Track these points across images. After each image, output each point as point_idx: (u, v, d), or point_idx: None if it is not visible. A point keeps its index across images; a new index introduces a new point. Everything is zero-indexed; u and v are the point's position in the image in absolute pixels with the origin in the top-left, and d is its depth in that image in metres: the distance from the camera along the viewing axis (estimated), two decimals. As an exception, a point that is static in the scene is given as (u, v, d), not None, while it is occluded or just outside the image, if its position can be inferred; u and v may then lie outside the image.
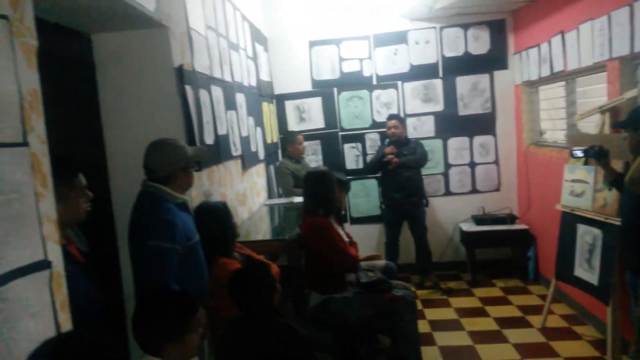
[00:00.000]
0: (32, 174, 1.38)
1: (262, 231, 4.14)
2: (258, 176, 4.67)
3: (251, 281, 2.21)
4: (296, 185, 4.98)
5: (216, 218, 2.63)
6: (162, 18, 2.50)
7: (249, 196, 4.24)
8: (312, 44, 5.77)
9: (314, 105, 5.83)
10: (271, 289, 2.24)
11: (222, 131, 3.43)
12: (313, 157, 5.80)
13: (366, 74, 5.73)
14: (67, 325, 1.46)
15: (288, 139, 5.25)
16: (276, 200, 4.97)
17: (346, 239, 3.23)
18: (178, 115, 2.71)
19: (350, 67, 5.74)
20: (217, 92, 3.44)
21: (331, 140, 5.82)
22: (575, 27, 4.01)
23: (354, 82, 5.74)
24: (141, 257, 2.07)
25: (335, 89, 5.78)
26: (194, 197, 2.75)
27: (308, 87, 5.82)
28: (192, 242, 2.25)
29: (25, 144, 1.36)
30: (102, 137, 2.69)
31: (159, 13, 2.45)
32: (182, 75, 2.72)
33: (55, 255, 1.44)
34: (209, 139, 3.14)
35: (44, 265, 1.38)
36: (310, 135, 5.73)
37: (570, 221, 3.89)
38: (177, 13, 2.77)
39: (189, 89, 2.79)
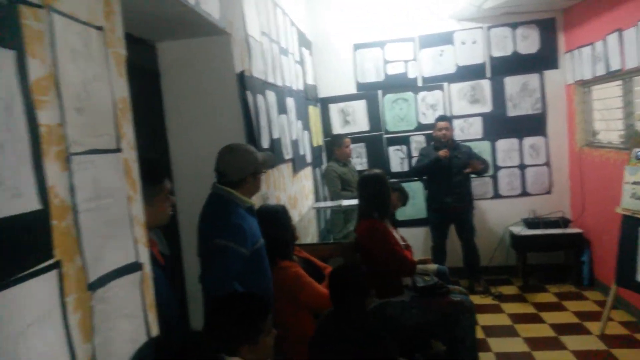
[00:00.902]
0: (124, 179, 1.43)
1: (311, 234, 4.17)
2: (306, 179, 4.70)
3: (351, 279, 2.25)
4: (343, 188, 4.99)
5: (276, 221, 2.66)
6: (226, 26, 2.56)
7: (299, 199, 4.27)
8: (357, 47, 5.77)
9: (359, 108, 5.83)
10: (368, 290, 2.30)
11: (276, 135, 3.47)
12: (357, 160, 5.79)
13: (411, 75, 5.69)
14: (154, 325, 1.50)
15: (335, 142, 5.26)
16: (323, 203, 4.99)
17: (401, 243, 3.21)
18: (239, 120, 2.75)
19: (395, 69, 5.71)
20: (271, 96, 3.49)
21: (376, 143, 5.81)
22: (634, 24, 3.87)
23: (398, 84, 5.71)
24: (206, 254, 2.12)
25: (379, 92, 5.76)
26: (254, 200, 2.78)
27: (352, 90, 5.82)
28: (258, 246, 2.28)
29: (118, 150, 1.41)
30: (166, 142, 2.76)
31: (223, 21, 2.50)
32: (243, 81, 2.77)
33: (145, 257, 1.49)
34: (265, 143, 3.18)
35: (135, 267, 1.43)
36: (355, 138, 5.72)
37: (631, 225, 3.75)
38: (237, 20, 2.82)
39: (249, 94, 2.83)
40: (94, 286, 1.22)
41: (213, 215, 2.17)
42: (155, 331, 1.49)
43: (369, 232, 3.10)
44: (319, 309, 2.55)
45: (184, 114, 2.73)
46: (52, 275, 1.08)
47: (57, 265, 1.09)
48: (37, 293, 1.02)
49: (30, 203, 1.03)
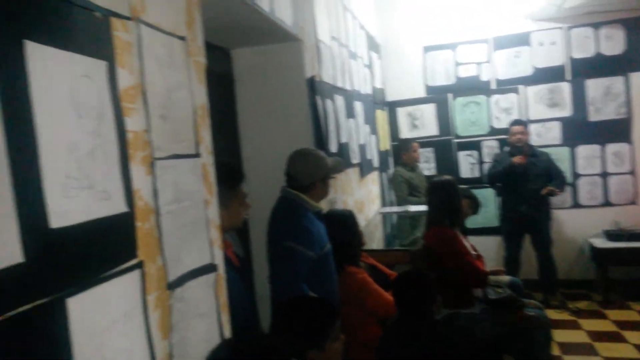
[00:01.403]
0: (202, 183, 1.47)
1: (377, 239, 4.12)
2: (373, 184, 4.67)
3: (417, 284, 2.23)
4: (410, 193, 4.91)
5: (344, 226, 2.65)
6: (298, 32, 2.59)
7: (365, 204, 4.25)
8: (427, 49, 5.66)
9: (427, 112, 5.71)
10: (434, 296, 2.25)
11: (343, 140, 3.48)
12: (425, 165, 5.67)
13: (484, 78, 5.50)
14: (227, 326, 1.54)
15: (402, 146, 5.18)
16: (390, 209, 4.93)
17: (472, 252, 3.11)
18: (308, 124, 2.78)
19: (466, 72, 5.55)
20: (340, 101, 3.49)
21: (445, 147, 5.66)
22: None
23: (470, 87, 5.54)
24: (275, 256, 2.15)
25: (450, 95, 5.61)
26: (321, 204, 2.80)
27: (421, 93, 5.72)
28: (325, 251, 2.28)
29: (197, 155, 1.46)
30: (239, 146, 2.84)
31: (296, 27, 2.54)
32: (313, 86, 2.79)
33: (219, 259, 1.54)
34: (333, 147, 3.19)
35: (211, 268, 1.47)
36: (423, 143, 5.60)
37: None
38: (309, 26, 2.85)
39: (318, 99, 2.85)
40: (172, 286, 1.27)
41: (282, 219, 2.20)
42: (227, 332, 1.53)
43: (438, 239, 3.02)
44: (385, 316, 2.51)
45: (256, 118, 2.80)
46: (136, 274, 1.13)
47: (140, 265, 1.15)
48: (122, 291, 1.08)
49: (117, 206, 1.09)
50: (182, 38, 1.42)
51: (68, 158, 0.95)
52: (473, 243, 3.40)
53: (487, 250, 5.40)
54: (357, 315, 2.48)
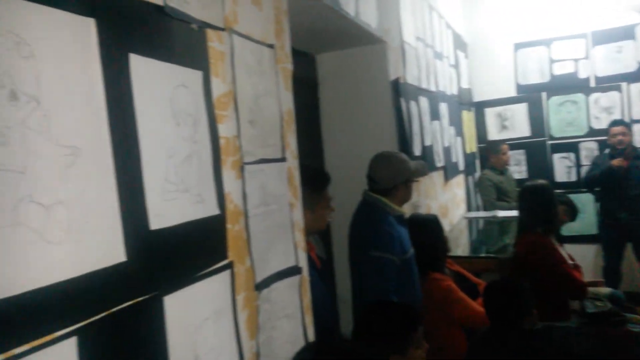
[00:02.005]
0: (287, 186, 1.51)
1: (462, 245, 3.98)
2: (458, 187, 4.52)
3: (512, 294, 2.14)
4: (499, 197, 4.69)
5: (428, 231, 2.58)
6: (382, 34, 2.57)
7: (450, 208, 4.13)
8: (518, 46, 5.39)
9: (518, 112, 5.43)
10: (529, 307, 2.14)
11: (427, 142, 3.40)
12: (516, 168, 5.39)
13: (582, 75, 5.13)
14: (310, 327, 1.56)
15: (491, 148, 4.96)
16: (476, 213, 4.74)
17: (569, 261, 2.90)
18: (392, 127, 2.75)
19: (562, 69, 5.21)
20: (424, 102, 3.42)
21: (538, 149, 5.34)
22: None
23: (566, 85, 5.18)
24: (363, 267, 2.13)
25: (544, 94, 5.29)
26: (404, 208, 2.75)
27: (512, 92, 5.44)
28: (407, 256, 2.24)
29: (283, 159, 1.50)
30: (322, 149, 2.87)
31: (380, 29, 2.52)
32: (397, 88, 2.76)
33: (303, 261, 1.56)
34: (417, 150, 3.13)
35: (295, 270, 1.50)
36: (514, 144, 5.32)
37: None
38: (393, 27, 2.82)
39: (402, 101, 2.81)
40: (260, 286, 1.31)
41: (364, 224, 2.19)
42: (311, 333, 1.55)
43: (531, 247, 2.85)
44: (472, 326, 2.42)
45: (340, 122, 2.81)
46: (226, 274, 1.18)
47: (230, 265, 1.19)
48: (214, 290, 1.13)
49: (210, 208, 1.14)
50: (270, 46, 1.46)
51: (167, 163, 1.01)
52: (569, 252, 3.18)
53: (585, 259, 5.02)
54: (442, 324, 2.41)
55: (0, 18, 0.72)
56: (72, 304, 0.78)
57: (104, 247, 0.85)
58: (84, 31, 0.85)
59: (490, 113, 5.55)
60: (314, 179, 1.72)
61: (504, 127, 5.50)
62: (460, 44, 5.05)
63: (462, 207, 4.68)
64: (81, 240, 0.81)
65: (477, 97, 5.55)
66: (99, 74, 0.87)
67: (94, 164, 0.85)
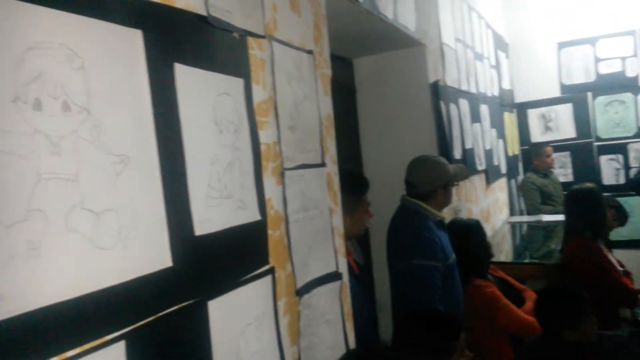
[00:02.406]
0: (327, 191, 1.51)
1: (505, 251, 3.88)
2: (500, 191, 4.41)
3: (566, 302, 2.08)
4: (543, 201, 4.55)
5: (470, 236, 2.52)
6: (421, 37, 2.54)
7: (492, 212, 4.03)
8: (561, 45, 5.23)
9: (563, 113, 5.26)
10: (585, 316, 2.06)
11: (468, 145, 3.33)
12: (561, 171, 5.22)
13: (630, 74, 4.93)
14: (351, 334, 1.55)
15: (534, 150, 4.82)
16: (520, 218, 4.61)
17: (619, 268, 2.78)
18: (431, 130, 2.71)
19: (609, 68, 5.02)
20: (464, 105, 3.36)
21: (584, 151, 5.16)
22: None
23: (614, 84, 4.99)
24: (405, 275, 2.08)
25: (589, 94, 5.11)
26: (444, 212, 2.71)
27: (555, 92, 5.28)
28: (449, 262, 2.19)
29: (323, 164, 1.50)
30: (360, 154, 2.86)
31: (418, 32, 2.50)
32: (437, 91, 2.72)
33: (343, 267, 1.55)
34: (457, 154, 3.07)
35: (336, 276, 1.49)
36: (558, 146, 5.15)
37: None
38: (432, 29, 2.79)
39: (441, 104, 2.77)
40: (300, 292, 1.31)
41: (403, 230, 2.16)
42: (352, 340, 1.54)
43: (579, 253, 2.74)
44: (517, 333, 2.35)
45: (378, 126, 2.80)
46: (268, 280, 1.19)
47: (271, 271, 1.20)
48: (256, 295, 1.14)
49: (252, 214, 1.15)
50: (309, 52, 1.47)
51: (210, 170, 1.03)
52: (619, 258, 3.04)
53: (635, 265, 4.81)
54: (485, 332, 2.35)
55: (53, 32, 0.74)
56: (121, 309, 0.80)
57: (151, 253, 0.87)
58: (131, 42, 0.88)
59: (533, 114, 5.40)
60: (353, 184, 1.71)
61: (547, 129, 5.35)
62: (501, 44, 4.94)
63: (505, 211, 4.56)
64: (130, 246, 0.83)
65: (519, 98, 5.42)
66: (145, 83, 0.90)
67: (142, 171, 0.87)
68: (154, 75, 0.91)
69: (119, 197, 0.82)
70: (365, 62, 2.80)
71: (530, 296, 2.59)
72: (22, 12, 0.70)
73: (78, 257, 0.75)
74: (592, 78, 5.10)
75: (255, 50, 1.22)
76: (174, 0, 0.98)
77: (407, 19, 2.35)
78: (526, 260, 3.53)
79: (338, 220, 1.57)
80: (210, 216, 1.01)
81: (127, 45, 0.87)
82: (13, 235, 0.66)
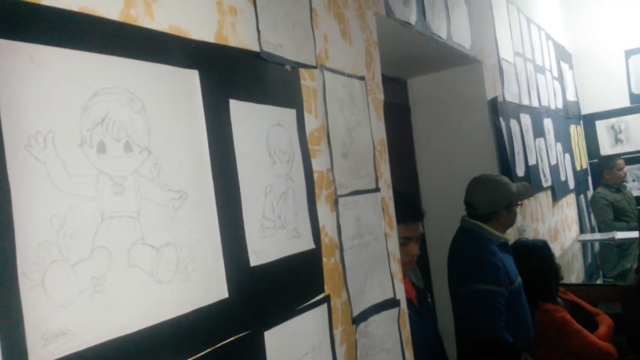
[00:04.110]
0: (382, 216, 1.49)
1: (576, 271, 3.67)
2: (568, 208, 4.19)
3: None
4: (616, 217, 4.27)
5: (536, 258, 2.41)
6: (477, 54, 2.49)
7: (560, 231, 3.83)
8: (629, 53, 4.96)
9: (634, 123, 4.96)
10: None
11: (532, 161, 3.20)
12: (634, 185, 4.90)
13: None
14: (411, 362, 1.51)
15: (604, 164, 4.56)
16: (591, 236, 4.36)
17: None
18: (491, 148, 2.63)
19: (685, 74, 4.69)
20: (526, 120, 3.24)
21: (659, 163, 4.83)
22: None
23: (691, 91, 4.66)
24: (468, 301, 2.00)
25: (663, 102, 4.80)
26: (508, 233, 2.60)
27: (625, 102, 5.00)
28: (515, 285, 2.10)
29: (377, 189, 1.48)
30: (416, 174, 2.82)
31: (474, 49, 2.45)
32: (496, 107, 2.64)
33: (401, 293, 1.52)
34: (520, 171, 2.96)
35: (394, 303, 1.47)
36: (630, 159, 4.86)
37: None
38: (489, 46, 2.73)
39: (501, 121, 2.69)
40: (357, 320, 1.30)
41: (465, 254, 2.08)
42: (411, 369, 1.50)
43: (657, 275, 2.55)
44: (590, 360, 2.20)
45: (434, 146, 2.75)
46: (323, 308, 1.18)
47: (327, 299, 1.20)
48: (312, 325, 1.13)
49: (306, 243, 1.16)
50: (361, 78, 1.48)
51: (264, 201, 1.05)
52: None
53: None
54: (556, 359, 2.22)
55: (115, 78, 0.79)
56: (180, 341, 0.83)
57: (208, 285, 0.89)
58: (188, 82, 0.92)
59: (601, 126, 5.13)
60: (409, 211, 1.64)
61: (618, 141, 5.05)
62: (563, 54, 4.75)
63: (575, 229, 4.32)
64: (188, 279, 0.85)
65: (586, 110, 5.17)
66: (202, 121, 0.93)
67: (199, 205, 0.90)
68: (209, 112, 0.94)
69: (177, 231, 0.85)
70: (419, 82, 2.77)
71: (604, 320, 2.43)
72: (86, 60, 0.76)
73: (139, 292, 0.78)
74: (666, 85, 4.79)
75: (307, 81, 1.24)
76: (228, 40, 1.02)
77: (461, 37, 2.31)
78: (599, 282, 3.32)
79: (394, 245, 1.55)
80: (265, 246, 1.03)
81: (185, 85, 0.91)
82: (79, 273, 0.70)
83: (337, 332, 1.22)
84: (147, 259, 0.80)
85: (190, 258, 0.86)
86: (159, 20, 0.88)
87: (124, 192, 0.78)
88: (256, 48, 1.08)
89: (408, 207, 1.73)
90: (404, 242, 1.68)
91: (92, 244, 0.73)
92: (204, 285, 0.88)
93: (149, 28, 0.86)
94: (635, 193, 4.70)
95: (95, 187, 0.74)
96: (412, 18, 1.84)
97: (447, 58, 2.39)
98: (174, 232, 0.84)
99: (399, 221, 1.67)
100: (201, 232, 0.89)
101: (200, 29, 0.96)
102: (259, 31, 1.09)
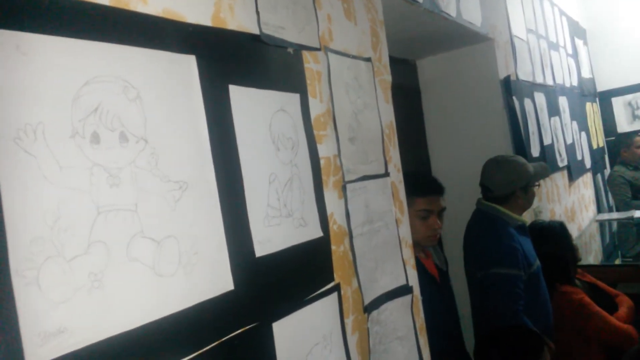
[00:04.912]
0: (392, 201, 1.45)
1: (594, 251, 3.60)
2: (585, 187, 4.11)
3: None
4: (635, 196, 4.18)
5: (554, 240, 2.36)
6: (488, 31, 2.42)
7: (577, 211, 3.75)
8: (647, 26, 4.80)
9: (653, 99, 4.82)
10: None
11: (547, 141, 3.13)
12: (654, 162, 4.77)
13: None
14: (426, 349, 1.48)
15: (622, 142, 4.45)
16: (609, 215, 4.28)
17: None
18: (504, 128, 2.57)
19: None
20: (540, 98, 3.16)
21: (680, 139, 4.69)
22: None
23: None
24: (485, 286, 1.96)
25: (683, 76, 4.65)
26: (524, 215, 2.54)
27: (642, 78, 4.86)
28: (534, 269, 2.05)
29: (386, 174, 1.44)
30: (428, 157, 2.76)
31: (485, 27, 2.37)
32: (509, 86, 2.57)
33: (414, 279, 1.49)
34: (535, 151, 2.89)
35: (406, 290, 1.43)
36: (649, 136, 4.74)
37: None
38: (501, 23, 2.64)
39: (515, 100, 2.62)
40: (369, 308, 1.27)
41: (481, 237, 2.03)
42: (427, 356, 1.48)
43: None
44: (611, 343, 2.15)
45: (445, 127, 2.69)
46: (334, 297, 1.15)
47: (337, 288, 1.17)
48: (322, 314, 1.11)
49: (314, 231, 1.12)
50: (367, 60, 1.43)
51: (269, 189, 1.02)
52: None
53: None
54: (576, 342, 2.18)
55: (108, 65, 0.76)
56: (186, 335, 0.80)
57: (212, 277, 0.86)
58: (185, 68, 0.88)
59: (618, 103, 5.00)
60: (408, 182, 1.58)
61: (636, 117, 4.94)
62: (577, 31, 4.62)
63: (592, 209, 4.24)
64: (191, 271, 0.83)
65: (602, 87, 5.05)
66: (201, 108, 0.90)
67: (200, 196, 0.87)
68: (208, 98, 0.91)
69: (178, 223, 0.82)
70: (429, 63, 2.71)
71: (624, 301, 2.38)
72: (76, 48, 0.72)
73: (140, 286, 0.75)
74: (685, 59, 4.64)
75: (311, 64, 1.20)
76: (226, 22, 0.98)
77: (472, 15, 2.23)
78: (617, 262, 3.26)
79: (405, 230, 1.51)
80: (270, 236, 1.00)
81: (182, 71, 0.88)
82: (75, 268, 0.68)
83: (349, 321, 1.19)
84: (148, 252, 0.77)
85: (193, 250, 0.84)
86: (152, 4, 0.85)
87: (120, 184, 0.75)
88: (256, 31, 1.04)
89: (430, 180, 1.75)
90: (425, 214, 1.71)
91: (89, 238, 0.70)
92: (208, 277, 0.85)
93: (142, 12, 0.82)
94: (654, 171, 4.59)
95: (89, 180, 0.72)
96: (420, -5, 1.78)
97: (457, 37, 2.32)
98: (175, 224, 0.82)
99: (419, 194, 1.69)
100: (203, 223, 0.86)
101: (197, 12, 0.92)
102: (258, 13, 1.05)
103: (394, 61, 2.57)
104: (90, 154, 0.72)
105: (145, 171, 0.79)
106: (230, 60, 0.98)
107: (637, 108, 4.93)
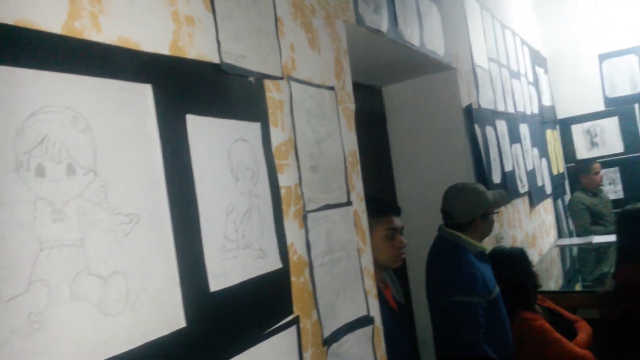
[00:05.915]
0: (354, 230, 1.45)
1: (554, 276, 3.68)
2: (546, 213, 4.21)
3: None
4: (594, 222, 4.31)
5: (514, 266, 2.38)
6: (451, 60, 2.48)
7: (538, 236, 3.84)
8: (603, 57, 5.03)
9: (609, 127, 5.02)
10: None
11: (508, 167, 3.20)
12: (610, 188, 4.95)
13: (681, 83, 4.66)
14: (387, 381, 1.47)
15: (581, 168, 4.60)
16: (569, 240, 4.39)
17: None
18: (467, 155, 2.62)
19: (657, 78, 4.77)
20: (502, 126, 3.24)
21: (634, 166, 4.89)
22: None
23: (663, 95, 4.74)
24: (446, 313, 1.97)
25: (636, 105, 4.87)
26: (485, 242, 2.58)
27: (599, 106, 5.07)
28: (494, 295, 2.07)
29: (349, 203, 1.44)
30: (393, 182, 2.79)
31: (448, 56, 2.43)
32: (470, 114, 2.63)
33: (375, 310, 1.48)
34: (496, 177, 2.95)
35: (368, 320, 1.42)
36: (606, 162, 4.91)
37: None
38: (463, 52, 2.71)
39: (477, 128, 2.68)
40: (328, 341, 1.25)
41: (442, 264, 2.05)
42: (387, 387, 1.46)
43: (636, 281, 2.55)
44: (570, 369, 2.18)
45: (410, 152, 2.72)
46: (292, 330, 1.13)
47: (296, 320, 1.15)
48: (279, 349, 1.08)
49: (273, 262, 1.10)
50: (331, 88, 1.44)
51: (226, 221, 1.00)
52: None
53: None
54: (534, 367, 2.20)
55: (56, 95, 0.73)
56: (132, 376, 0.77)
57: (162, 315, 0.83)
58: (140, 98, 0.86)
59: (577, 130, 5.18)
60: (370, 205, 1.59)
61: (594, 144, 5.11)
62: (538, 59, 4.79)
63: (553, 234, 4.35)
64: (140, 309, 0.80)
65: (562, 114, 5.22)
66: (156, 138, 0.88)
67: (152, 229, 0.84)
68: (164, 128, 0.89)
69: (127, 258, 0.79)
70: (394, 89, 2.75)
71: (583, 327, 2.42)
72: (22, 78, 0.70)
73: (84, 326, 0.72)
74: (638, 89, 4.86)
75: (273, 93, 1.19)
76: (185, 51, 0.97)
77: (435, 44, 2.29)
78: (578, 286, 3.33)
79: (368, 260, 1.50)
80: (227, 270, 0.97)
81: (136, 100, 0.86)
82: (13, 310, 0.64)
83: (307, 355, 1.17)
84: (93, 290, 0.74)
85: (141, 287, 0.80)
86: (107, 33, 0.83)
87: (65, 218, 0.72)
88: (216, 59, 1.03)
89: (389, 201, 1.77)
90: (391, 234, 1.72)
91: (30, 277, 0.67)
92: (158, 315, 0.82)
93: (94, 41, 0.80)
94: (611, 196, 4.76)
95: (32, 215, 0.68)
96: (384, 26, 1.81)
97: (421, 65, 2.37)
98: (123, 260, 0.79)
99: (383, 214, 1.71)
100: (155, 258, 0.84)
101: (154, 40, 0.91)
102: (219, 42, 1.04)
103: (360, 87, 2.61)
104: (35, 188, 0.69)
105: (93, 204, 0.76)
106: (188, 89, 0.96)
107: (595, 135, 5.12)
